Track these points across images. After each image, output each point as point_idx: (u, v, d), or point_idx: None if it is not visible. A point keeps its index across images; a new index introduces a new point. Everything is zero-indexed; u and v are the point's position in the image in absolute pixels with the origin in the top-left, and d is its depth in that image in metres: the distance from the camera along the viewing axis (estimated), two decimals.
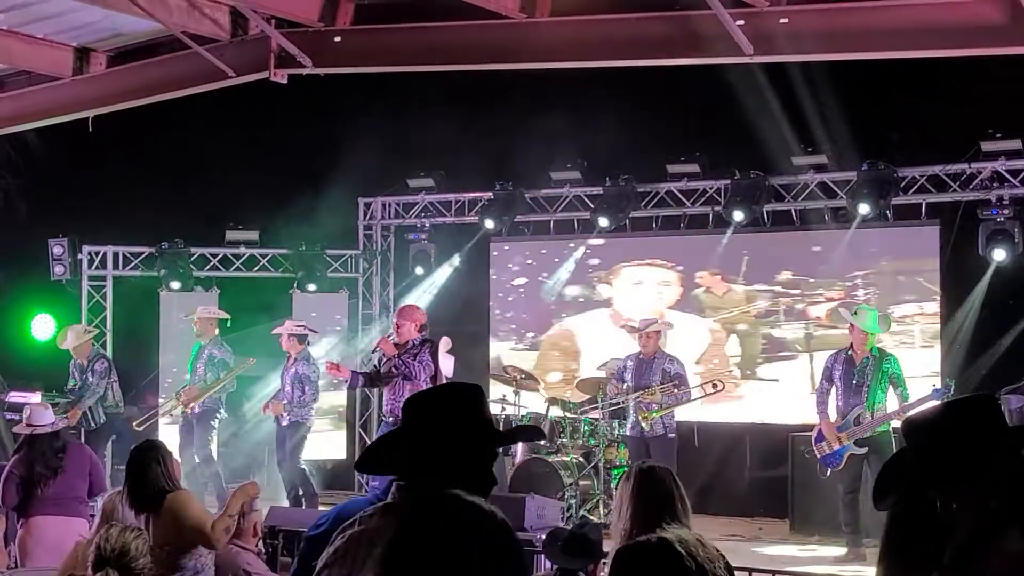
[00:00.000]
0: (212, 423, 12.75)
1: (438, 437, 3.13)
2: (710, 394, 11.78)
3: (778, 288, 13.32)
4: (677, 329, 12.56)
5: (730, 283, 13.57)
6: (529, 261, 14.78)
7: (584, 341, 14.35)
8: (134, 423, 13.16)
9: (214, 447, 12.84)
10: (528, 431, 9.37)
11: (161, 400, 14.10)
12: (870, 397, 10.28)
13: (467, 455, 3.14)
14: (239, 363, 12.87)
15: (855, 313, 10.58)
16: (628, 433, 11.51)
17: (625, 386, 11.42)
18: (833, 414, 10.53)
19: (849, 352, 10.51)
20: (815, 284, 13.14)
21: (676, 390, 11.27)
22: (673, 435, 11.25)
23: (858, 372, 10.37)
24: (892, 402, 10.28)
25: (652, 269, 14.07)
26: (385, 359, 10.69)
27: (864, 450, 10.25)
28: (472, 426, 3.18)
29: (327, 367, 11.25)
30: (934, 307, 12.45)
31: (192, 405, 12.56)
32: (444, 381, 10.71)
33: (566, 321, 14.52)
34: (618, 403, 11.58)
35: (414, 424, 3.19)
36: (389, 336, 10.71)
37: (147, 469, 6.27)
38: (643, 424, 11.19)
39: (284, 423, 11.98)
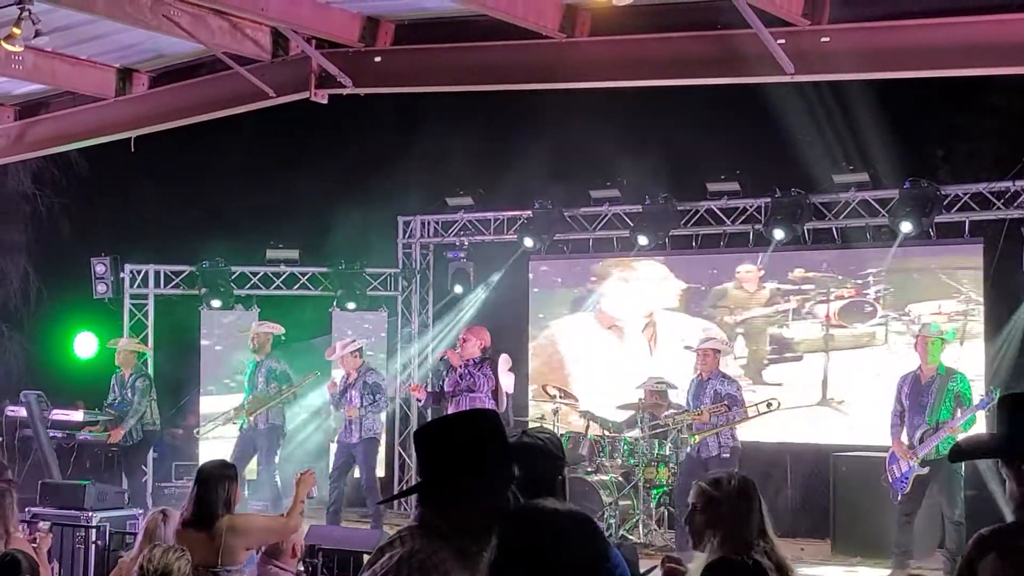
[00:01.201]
0: (280, 439, 13.00)
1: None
2: (763, 414, 11.63)
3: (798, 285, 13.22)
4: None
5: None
6: (567, 279, 14.76)
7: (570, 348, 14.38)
8: (195, 432, 13.37)
9: (276, 460, 13.02)
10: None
11: (200, 412, 14.21)
12: (931, 416, 10.12)
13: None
14: (304, 376, 13.03)
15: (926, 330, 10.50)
16: (687, 453, 11.42)
17: (683, 409, 11.47)
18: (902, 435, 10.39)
19: (917, 372, 10.40)
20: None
21: (728, 411, 11.18)
22: (728, 455, 11.11)
23: (924, 390, 10.24)
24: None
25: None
26: (447, 372, 11.41)
27: (926, 470, 10.11)
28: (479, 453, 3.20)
29: (411, 388, 12.55)
30: (978, 326, 12.30)
31: (257, 415, 12.70)
32: (505, 396, 11.23)
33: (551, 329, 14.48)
34: (666, 425, 11.54)
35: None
36: (456, 349, 11.40)
37: (218, 487, 6.34)
38: (692, 444, 11.13)
39: (354, 439, 12.12)
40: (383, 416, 12.62)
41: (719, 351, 11.57)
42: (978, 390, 10.66)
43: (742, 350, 13.37)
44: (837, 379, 12.75)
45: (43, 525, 9.17)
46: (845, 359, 12.85)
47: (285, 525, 6.54)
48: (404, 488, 3.32)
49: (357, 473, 12.64)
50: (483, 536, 3.11)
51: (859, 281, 12.87)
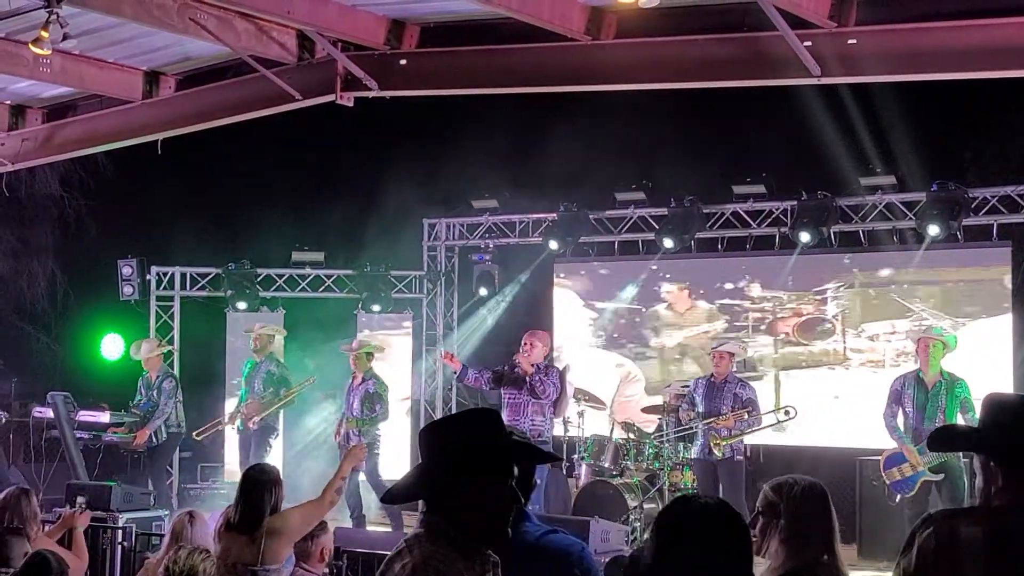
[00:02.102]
0: (270, 440, 12.97)
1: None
2: (782, 421, 11.63)
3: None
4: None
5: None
6: (593, 282, 14.75)
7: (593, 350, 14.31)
8: (194, 434, 13.37)
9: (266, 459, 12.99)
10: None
11: (224, 414, 14.24)
12: (945, 422, 9.99)
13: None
14: (300, 381, 13.02)
15: (928, 333, 10.42)
16: (694, 456, 11.40)
17: (696, 411, 11.33)
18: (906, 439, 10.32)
19: (919, 374, 10.32)
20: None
21: (747, 416, 11.16)
22: (740, 457, 11.13)
23: (932, 396, 10.15)
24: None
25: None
26: (511, 379, 11.03)
27: (940, 476, 10.07)
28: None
29: (443, 355, 11.98)
30: (1007, 329, 12.22)
31: (255, 420, 12.72)
32: (566, 407, 11.11)
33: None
34: (690, 428, 11.48)
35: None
36: (524, 354, 11.00)
37: (264, 493, 6.33)
38: (715, 451, 11.07)
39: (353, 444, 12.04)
40: (382, 425, 12.44)
41: (734, 354, 11.51)
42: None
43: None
44: (791, 398, 12.65)
45: (80, 501, 9.25)
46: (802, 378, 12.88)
47: (319, 506, 6.48)
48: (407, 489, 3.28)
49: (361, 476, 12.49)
50: (490, 536, 3.14)
51: (817, 298, 12.87)
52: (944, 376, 10.19)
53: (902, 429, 10.31)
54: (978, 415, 9.15)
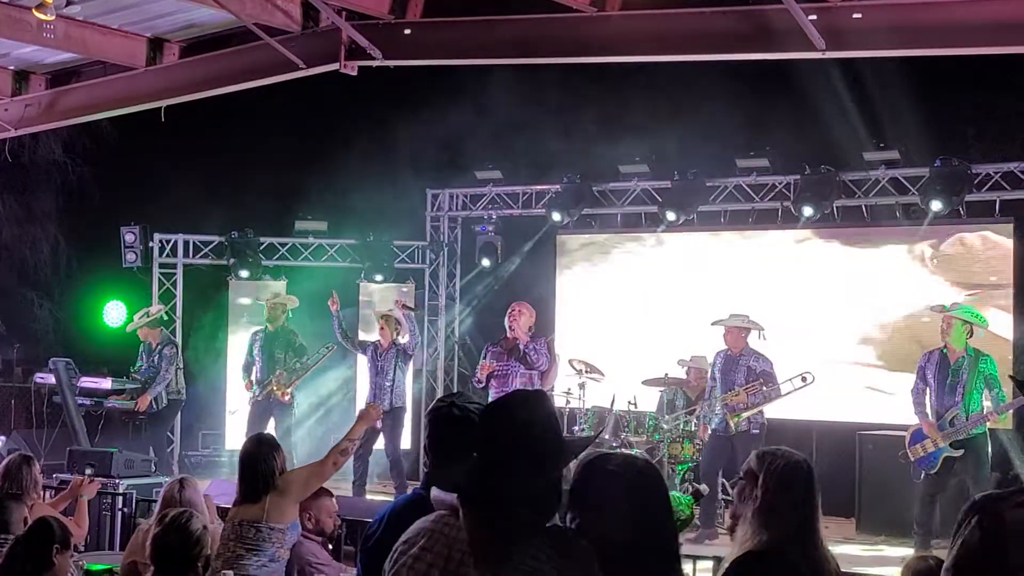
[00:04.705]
0: (294, 409, 13.04)
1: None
2: (799, 388, 11.48)
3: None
4: None
5: None
6: (595, 254, 14.75)
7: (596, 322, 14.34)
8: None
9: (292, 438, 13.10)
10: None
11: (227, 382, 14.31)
12: (966, 398, 9.96)
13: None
14: (323, 352, 13.09)
15: (948, 309, 10.34)
16: (713, 429, 11.40)
17: (715, 385, 11.36)
18: (928, 414, 10.29)
19: (944, 351, 10.21)
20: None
21: (764, 388, 11.15)
22: (757, 431, 11.10)
23: (953, 372, 10.05)
24: (988, 403, 10.05)
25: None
26: (501, 348, 11.11)
27: (960, 452, 9.98)
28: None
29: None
30: (1007, 304, 12.23)
31: (286, 391, 12.83)
32: (554, 379, 11.10)
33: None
34: (700, 409, 11.48)
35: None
36: (515, 320, 11.07)
37: (260, 465, 6.35)
38: (732, 426, 11.08)
39: (385, 406, 12.08)
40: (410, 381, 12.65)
41: (748, 328, 11.47)
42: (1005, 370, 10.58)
43: None
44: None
45: (89, 471, 9.30)
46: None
47: (323, 466, 6.50)
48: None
49: (379, 444, 12.57)
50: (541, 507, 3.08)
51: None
52: (968, 352, 10.08)
53: (927, 406, 10.26)
54: (1005, 392, 9.02)
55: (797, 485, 3.75)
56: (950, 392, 10.07)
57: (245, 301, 15.26)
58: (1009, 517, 2.88)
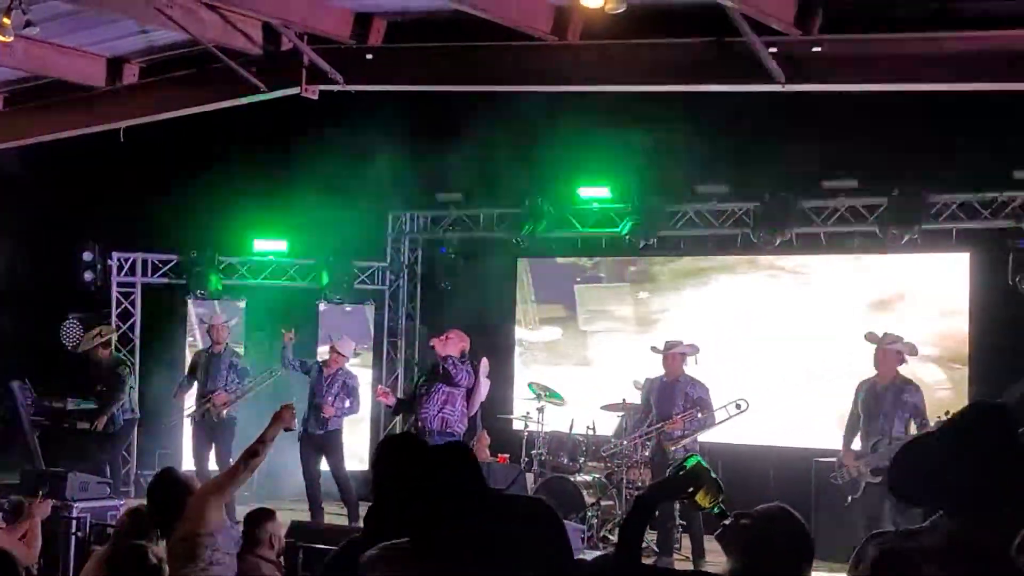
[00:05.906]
0: (235, 429, 12.92)
1: None
2: (734, 415, 11.59)
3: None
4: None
5: None
6: (552, 277, 14.78)
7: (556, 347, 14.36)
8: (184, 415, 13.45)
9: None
10: None
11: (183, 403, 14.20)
12: (885, 424, 10.10)
13: None
14: (265, 372, 13.03)
15: (881, 339, 10.42)
16: (649, 456, 11.45)
17: (652, 414, 11.35)
18: (853, 441, 10.41)
19: (874, 378, 10.34)
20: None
21: (700, 415, 11.20)
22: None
23: (878, 398, 10.19)
24: (914, 431, 10.12)
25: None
26: (427, 371, 11.05)
27: (879, 479, 10.07)
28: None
29: (379, 393, 11.78)
30: (962, 334, 12.33)
31: (223, 412, 12.72)
32: (479, 401, 10.96)
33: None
34: (650, 433, 11.46)
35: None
36: (441, 341, 10.87)
37: (169, 501, 6.23)
38: (667, 453, 11.07)
39: (320, 431, 12.13)
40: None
41: (686, 354, 11.49)
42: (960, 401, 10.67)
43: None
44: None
45: (40, 492, 9.16)
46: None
47: (235, 470, 6.32)
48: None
49: (323, 465, 12.50)
50: None
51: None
52: (897, 381, 10.24)
53: (855, 432, 10.37)
54: (931, 423, 8.94)
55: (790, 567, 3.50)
56: (873, 418, 10.18)
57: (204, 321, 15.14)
58: (879, 553, 2.93)
